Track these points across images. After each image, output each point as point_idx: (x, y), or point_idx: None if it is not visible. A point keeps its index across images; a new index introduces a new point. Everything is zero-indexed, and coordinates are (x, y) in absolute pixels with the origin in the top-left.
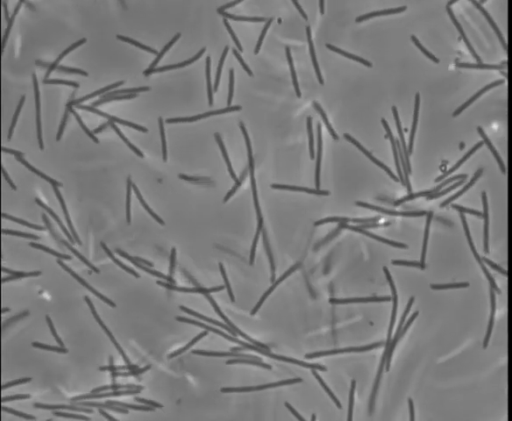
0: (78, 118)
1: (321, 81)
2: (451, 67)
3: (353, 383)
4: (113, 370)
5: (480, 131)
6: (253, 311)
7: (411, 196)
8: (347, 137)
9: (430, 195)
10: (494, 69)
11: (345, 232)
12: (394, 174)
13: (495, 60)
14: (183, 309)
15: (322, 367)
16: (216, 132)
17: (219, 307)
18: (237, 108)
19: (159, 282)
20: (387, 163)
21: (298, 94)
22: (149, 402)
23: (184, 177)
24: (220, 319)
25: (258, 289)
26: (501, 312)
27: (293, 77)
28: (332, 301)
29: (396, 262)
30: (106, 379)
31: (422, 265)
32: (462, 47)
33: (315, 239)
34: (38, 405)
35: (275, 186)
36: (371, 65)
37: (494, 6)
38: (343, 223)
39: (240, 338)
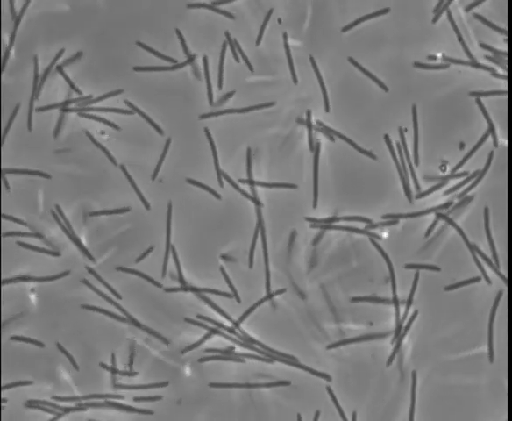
0: (76, 119)
1: (320, 79)
2: (440, 61)
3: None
4: (114, 369)
5: (484, 110)
6: (241, 319)
7: (417, 198)
8: (345, 137)
9: (434, 193)
10: (491, 70)
11: (350, 234)
12: (395, 174)
13: (493, 60)
14: (189, 309)
15: (327, 377)
16: (218, 132)
17: (222, 308)
18: (271, 104)
19: (158, 283)
20: (387, 164)
21: (295, 81)
22: (150, 400)
23: (186, 179)
24: (223, 319)
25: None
26: (501, 312)
27: (292, 75)
28: (354, 299)
29: (410, 266)
30: (107, 378)
31: (436, 267)
32: (459, 47)
33: (310, 240)
34: (36, 403)
35: (242, 181)
36: (387, 90)
37: (491, 6)
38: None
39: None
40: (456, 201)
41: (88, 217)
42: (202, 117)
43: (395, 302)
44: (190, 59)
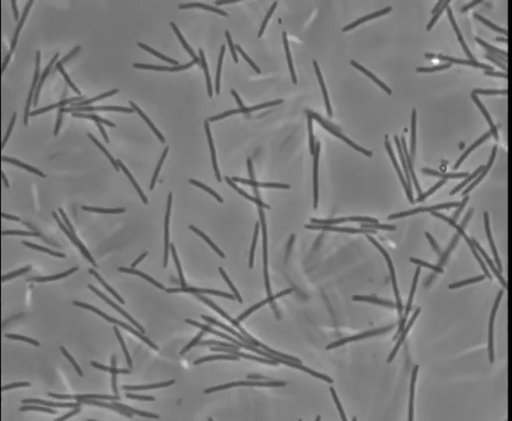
0: (76, 118)
1: (320, 79)
2: (440, 61)
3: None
4: (114, 369)
5: (488, 118)
6: (240, 318)
7: (418, 198)
8: (345, 138)
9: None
10: (491, 69)
11: (352, 235)
12: (396, 174)
13: (493, 60)
14: (190, 310)
15: (328, 379)
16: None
17: (220, 308)
18: (279, 101)
19: (158, 283)
20: (387, 165)
21: (294, 81)
22: (150, 400)
23: (188, 180)
24: (224, 320)
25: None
26: (502, 312)
27: (292, 75)
28: (356, 298)
29: (414, 260)
30: (106, 379)
31: (439, 268)
32: (459, 46)
33: (310, 241)
34: (37, 403)
35: (235, 179)
36: (391, 92)
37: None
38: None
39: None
40: (456, 201)
41: (87, 217)
42: (203, 117)
43: (395, 301)
44: (194, 60)
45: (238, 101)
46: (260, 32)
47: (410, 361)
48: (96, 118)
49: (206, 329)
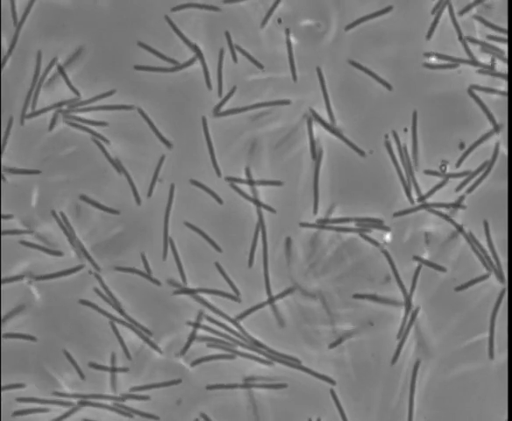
0: (74, 118)
1: (321, 78)
2: (433, 60)
3: None
4: (113, 369)
5: (491, 118)
6: (239, 317)
7: (418, 199)
8: (343, 137)
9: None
10: (491, 69)
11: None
12: (395, 175)
13: (494, 60)
14: (190, 311)
15: (331, 380)
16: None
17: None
18: (286, 102)
19: (158, 282)
20: (386, 165)
21: (294, 79)
22: (149, 400)
23: (188, 180)
24: (224, 320)
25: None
26: (502, 310)
27: (292, 74)
28: (356, 296)
29: (416, 258)
30: (106, 379)
31: (442, 268)
32: (459, 46)
33: (310, 240)
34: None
35: (230, 179)
36: (391, 88)
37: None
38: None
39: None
40: (456, 200)
41: (87, 217)
42: (203, 117)
43: (403, 299)
44: (192, 60)
45: (239, 100)
46: (262, 25)
47: (422, 347)
48: (89, 123)
49: (197, 326)
